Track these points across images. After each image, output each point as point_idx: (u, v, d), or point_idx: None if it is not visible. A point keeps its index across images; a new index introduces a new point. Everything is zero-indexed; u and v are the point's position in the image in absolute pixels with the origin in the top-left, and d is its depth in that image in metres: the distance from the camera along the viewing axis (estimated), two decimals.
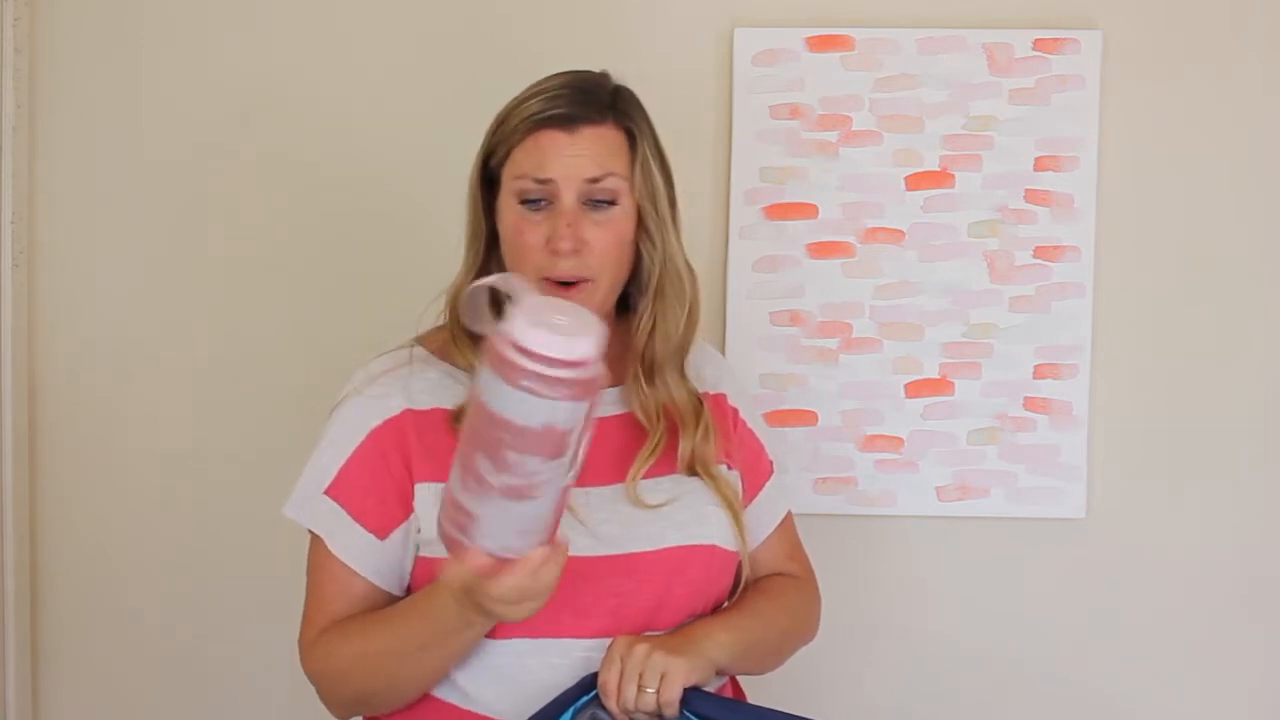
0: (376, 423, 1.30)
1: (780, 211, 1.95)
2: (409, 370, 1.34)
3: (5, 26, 1.89)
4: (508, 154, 1.32)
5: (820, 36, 1.93)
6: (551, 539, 1.09)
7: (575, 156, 1.30)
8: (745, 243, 1.95)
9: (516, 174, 1.31)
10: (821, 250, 1.96)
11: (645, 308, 1.37)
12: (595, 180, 1.30)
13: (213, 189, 1.96)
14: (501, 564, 1.07)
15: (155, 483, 1.99)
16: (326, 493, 1.31)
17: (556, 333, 0.99)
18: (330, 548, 1.30)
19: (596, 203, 1.31)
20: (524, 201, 1.31)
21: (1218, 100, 1.96)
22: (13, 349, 1.92)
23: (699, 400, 1.39)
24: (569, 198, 1.30)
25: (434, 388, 1.33)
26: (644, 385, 1.36)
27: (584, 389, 1.01)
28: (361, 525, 1.29)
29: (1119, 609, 2.01)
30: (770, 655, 1.42)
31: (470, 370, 1.32)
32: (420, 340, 1.39)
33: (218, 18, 1.95)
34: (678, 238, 1.38)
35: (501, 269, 1.34)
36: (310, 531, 1.33)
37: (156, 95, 1.96)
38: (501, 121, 1.34)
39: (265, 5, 1.95)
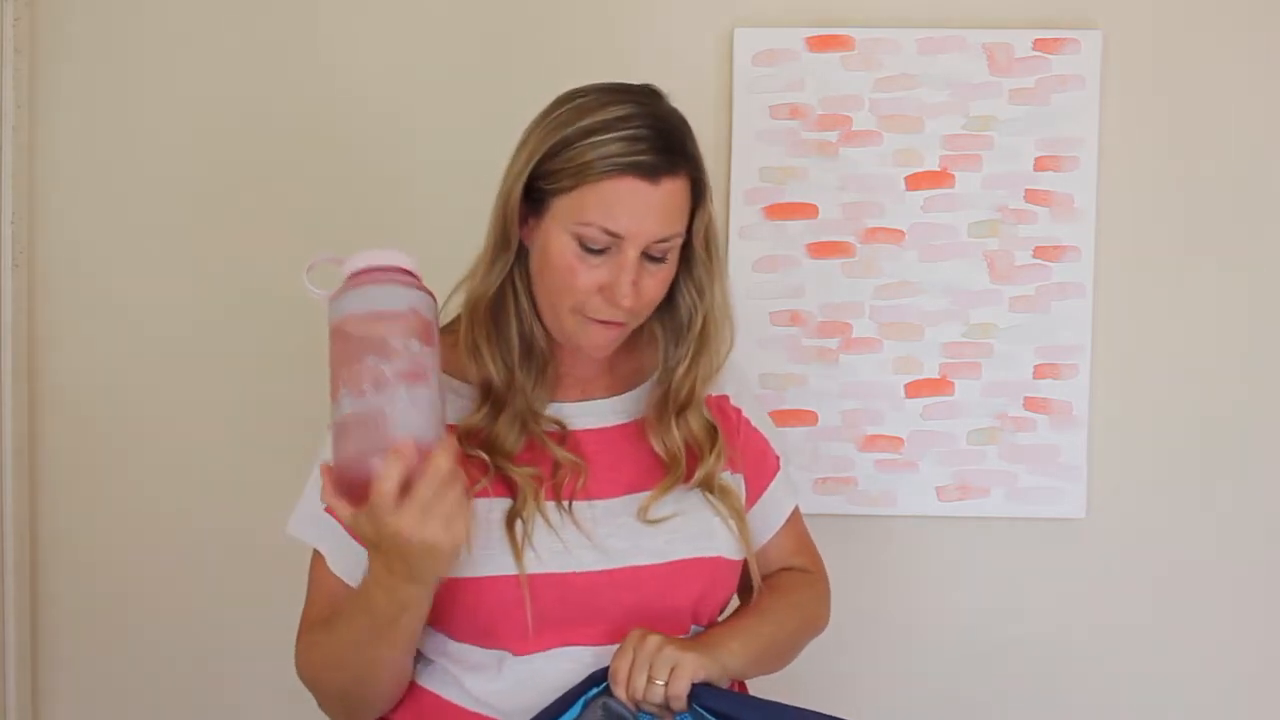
0: None
1: (780, 211, 1.95)
2: None
3: (5, 26, 1.89)
4: (574, 187, 1.25)
5: (820, 36, 1.93)
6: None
7: (650, 213, 1.25)
8: (745, 243, 1.95)
9: (582, 218, 1.24)
10: (821, 250, 1.96)
11: (686, 350, 1.35)
12: (661, 240, 1.27)
13: (213, 189, 1.96)
14: (424, 456, 1.08)
15: (155, 483, 1.99)
16: (328, 511, 1.28)
17: (395, 250, 1.17)
18: (330, 566, 1.30)
19: (652, 257, 1.28)
20: (584, 247, 1.26)
21: (1218, 100, 1.96)
22: (13, 349, 1.92)
23: (714, 428, 1.38)
24: (633, 254, 1.25)
25: None
26: (673, 422, 1.35)
27: (423, 288, 1.16)
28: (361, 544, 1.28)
29: (1119, 609, 2.01)
30: (783, 655, 1.42)
31: (477, 383, 1.32)
32: None
33: (218, 17, 1.95)
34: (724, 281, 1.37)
35: (526, 281, 1.32)
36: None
37: (156, 95, 1.96)
38: (568, 145, 1.25)
39: (265, 6, 1.95)
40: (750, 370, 1.94)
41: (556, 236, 1.27)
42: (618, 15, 1.95)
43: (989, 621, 2.02)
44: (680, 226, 1.29)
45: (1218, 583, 2.01)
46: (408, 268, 1.16)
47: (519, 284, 1.32)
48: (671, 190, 1.26)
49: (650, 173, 1.24)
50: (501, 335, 1.32)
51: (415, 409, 1.09)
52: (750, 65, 1.93)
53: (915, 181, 1.95)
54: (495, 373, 1.31)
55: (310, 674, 1.31)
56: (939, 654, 2.02)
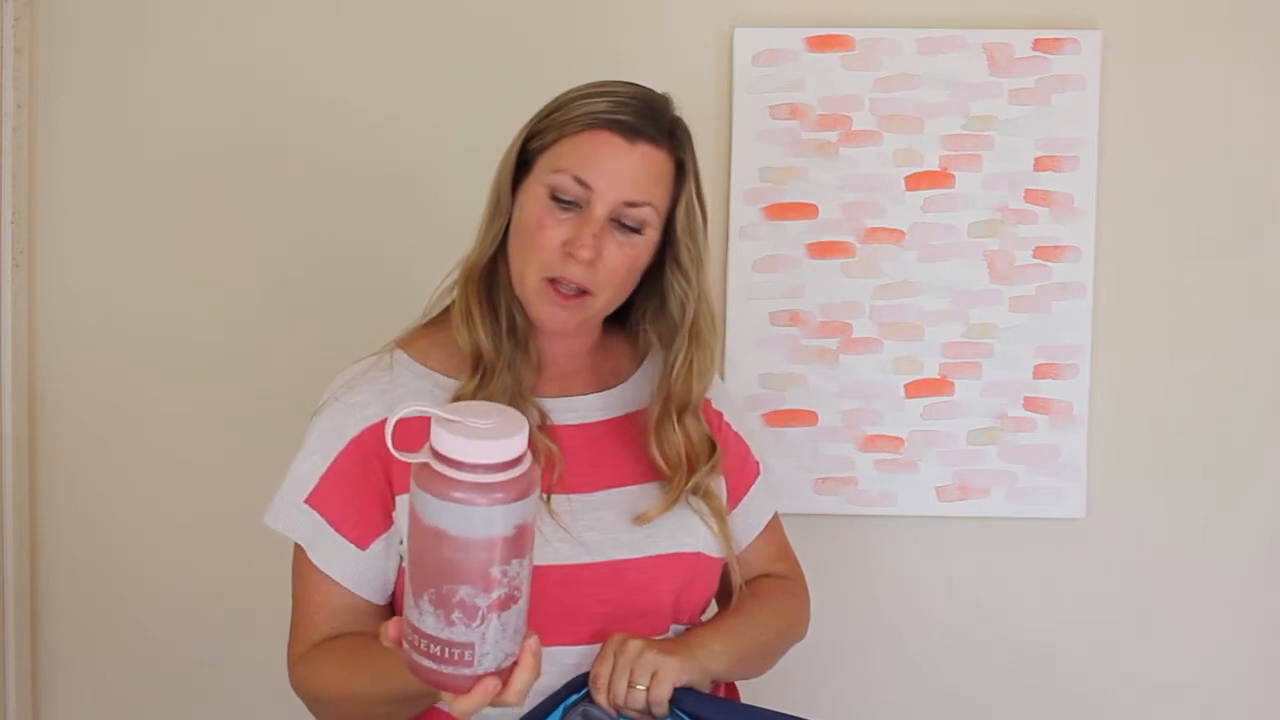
0: (356, 432, 1.28)
1: (780, 211, 1.95)
2: (389, 377, 1.32)
3: (5, 27, 1.89)
4: (555, 141, 1.29)
5: (820, 36, 1.93)
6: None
7: (623, 172, 1.27)
8: (745, 243, 1.95)
9: (557, 166, 1.27)
10: (821, 250, 1.96)
11: (680, 349, 1.35)
12: (632, 204, 1.27)
13: (213, 189, 1.96)
14: (509, 674, 1.03)
15: (155, 483, 1.99)
16: (306, 502, 1.29)
17: (502, 437, 0.97)
18: (311, 558, 1.29)
19: (624, 225, 1.28)
20: (554, 198, 1.27)
21: (1218, 100, 1.96)
22: (13, 349, 1.92)
23: (712, 442, 1.38)
24: (601, 211, 1.27)
25: (414, 395, 1.31)
26: (674, 426, 1.34)
27: (536, 477, 1.00)
28: (342, 535, 1.28)
29: (1119, 609, 2.01)
30: (764, 660, 1.42)
31: (468, 352, 1.30)
32: (400, 343, 1.36)
33: (218, 18, 1.95)
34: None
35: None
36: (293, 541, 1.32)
37: (157, 95, 1.95)
38: (558, 108, 1.31)
39: (265, 7, 1.95)
40: (750, 370, 1.96)
41: (532, 192, 1.29)
42: (618, 15, 1.95)
43: (988, 621, 2.02)
44: (655, 198, 1.29)
45: (1218, 583, 2.01)
46: (520, 454, 0.98)
47: (510, 258, 1.32)
48: (648, 156, 1.28)
49: (628, 131, 1.27)
50: (493, 305, 1.33)
51: (505, 635, 1.01)
52: (750, 65, 1.93)
53: (915, 181, 1.95)
54: (485, 341, 1.30)
55: (309, 699, 1.30)
56: (938, 654, 2.02)
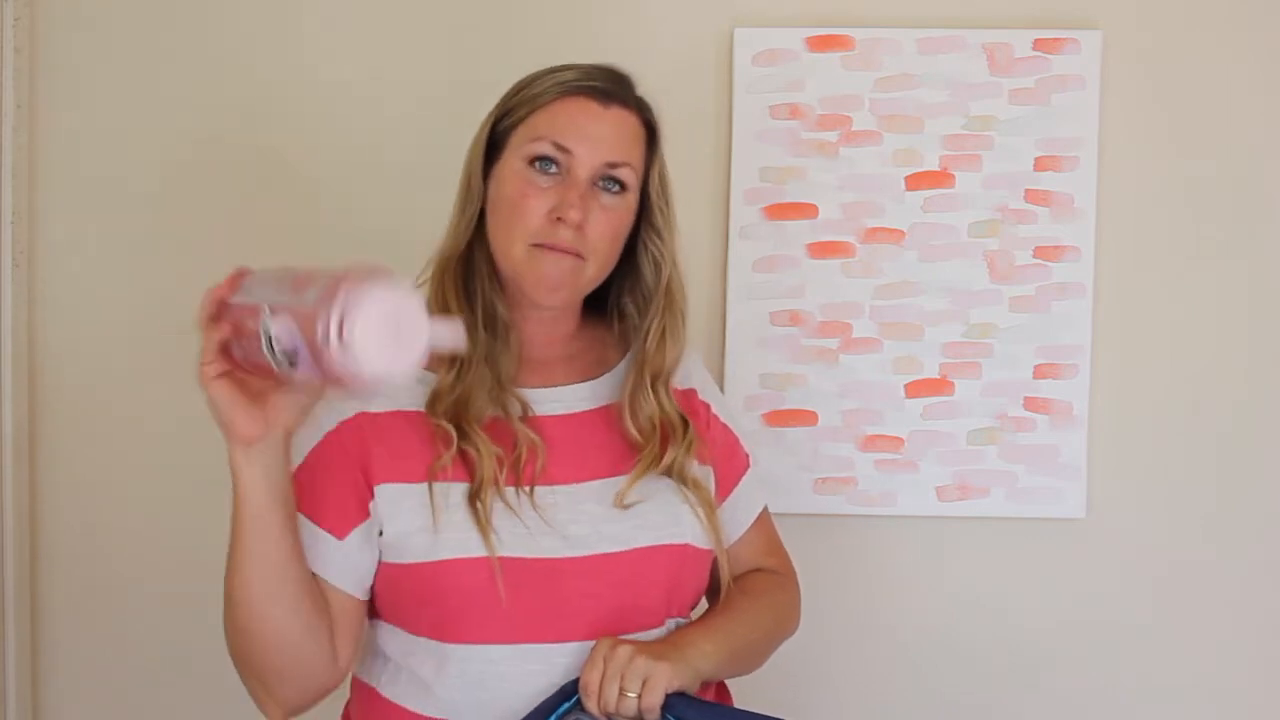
0: (330, 427, 1.29)
1: (780, 211, 1.95)
2: None
3: (5, 27, 1.89)
4: (528, 115, 1.30)
5: (820, 36, 1.93)
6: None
7: (600, 134, 1.29)
8: (745, 243, 1.95)
9: (534, 136, 1.29)
10: (821, 250, 1.96)
11: (655, 314, 1.35)
12: (613, 165, 1.29)
13: (213, 189, 1.96)
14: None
15: (155, 483, 1.99)
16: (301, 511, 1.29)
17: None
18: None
19: (606, 188, 1.30)
20: (534, 162, 1.28)
21: (1218, 100, 1.96)
22: (13, 349, 1.92)
23: (684, 418, 1.37)
24: (584, 174, 1.28)
25: (390, 390, 1.31)
26: (648, 395, 1.34)
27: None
28: (319, 525, 1.28)
29: (1119, 609, 2.01)
30: (754, 658, 1.41)
31: (430, 367, 1.28)
32: None
33: (217, 18, 1.95)
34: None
35: (489, 248, 1.33)
36: None
37: (157, 95, 1.95)
38: (524, 86, 1.32)
39: (264, 6, 1.95)
40: (750, 370, 1.95)
41: (509, 166, 1.30)
42: (617, 15, 1.95)
43: (988, 621, 2.02)
44: (632, 158, 1.31)
45: (1218, 583, 2.01)
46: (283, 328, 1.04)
47: (486, 247, 1.33)
48: (621, 118, 1.31)
49: (601, 96, 1.30)
50: (470, 295, 1.33)
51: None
52: (750, 65, 1.93)
53: (915, 181, 1.95)
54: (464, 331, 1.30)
55: (230, 641, 1.33)
56: (938, 654, 2.02)
